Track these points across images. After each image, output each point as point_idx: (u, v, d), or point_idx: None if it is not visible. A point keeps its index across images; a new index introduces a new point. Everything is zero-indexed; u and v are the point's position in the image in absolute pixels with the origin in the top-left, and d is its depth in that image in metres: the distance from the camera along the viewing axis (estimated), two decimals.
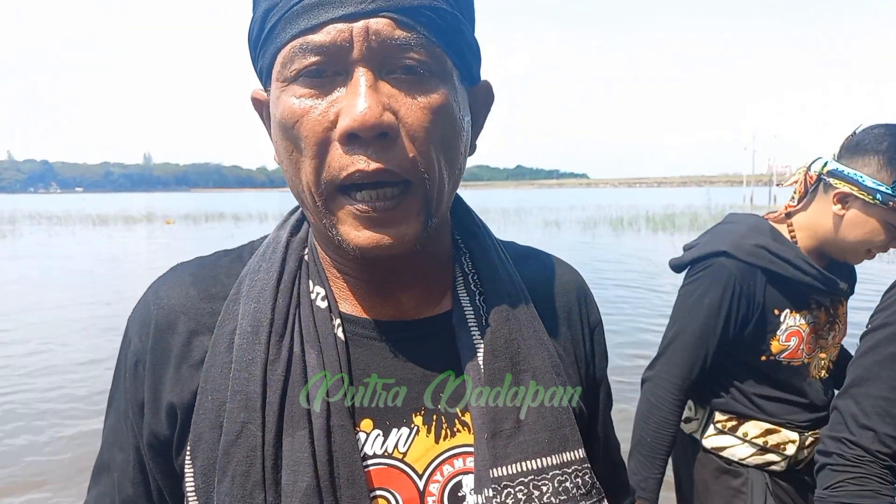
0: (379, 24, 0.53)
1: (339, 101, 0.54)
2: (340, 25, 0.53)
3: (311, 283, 0.64)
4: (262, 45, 0.59)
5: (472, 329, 0.64)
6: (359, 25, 0.53)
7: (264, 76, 0.61)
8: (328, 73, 0.55)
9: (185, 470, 0.60)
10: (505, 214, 28.92)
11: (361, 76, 0.53)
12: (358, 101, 0.52)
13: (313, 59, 0.54)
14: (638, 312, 7.67)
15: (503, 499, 0.58)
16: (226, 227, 25.08)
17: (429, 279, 0.67)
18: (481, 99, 0.67)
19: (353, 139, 0.53)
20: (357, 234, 0.56)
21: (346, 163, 0.54)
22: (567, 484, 0.61)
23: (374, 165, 0.53)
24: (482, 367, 0.62)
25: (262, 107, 0.65)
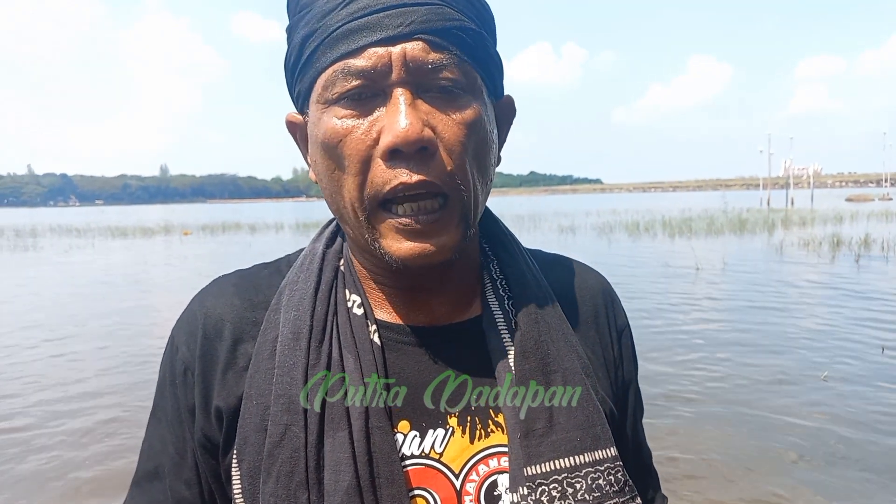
0: (415, 48, 0.57)
1: (379, 120, 0.58)
2: (380, 50, 0.57)
3: (347, 291, 0.67)
4: (301, 70, 0.62)
5: (502, 332, 0.66)
6: (396, 50, 0.57)
7: (301, 100, 0.65)
8: (368, 94, 0.58)
9: (232, 472, 0.63)
10: (519, 221, 28.86)
11: (401, 96, 0.57)
12: (399, 118, 0.56)
13: (355, 82, 0.57)
14: (656, 319, 7.59)
15: (538, 496, 0.60)
16: (242, 237, 25.28)
17: (459, 286, 0.70)
18: (505, 113, 0.70)
19: (395, 154, 0.57)
20: (399, 246, 0.59)
21: (389, 177, 0.57)
22: (600, 481, 0.62)
23: (416, 177, 0.57)
24: (513, 368, 0.64)
25: (296, 129, 0.68)
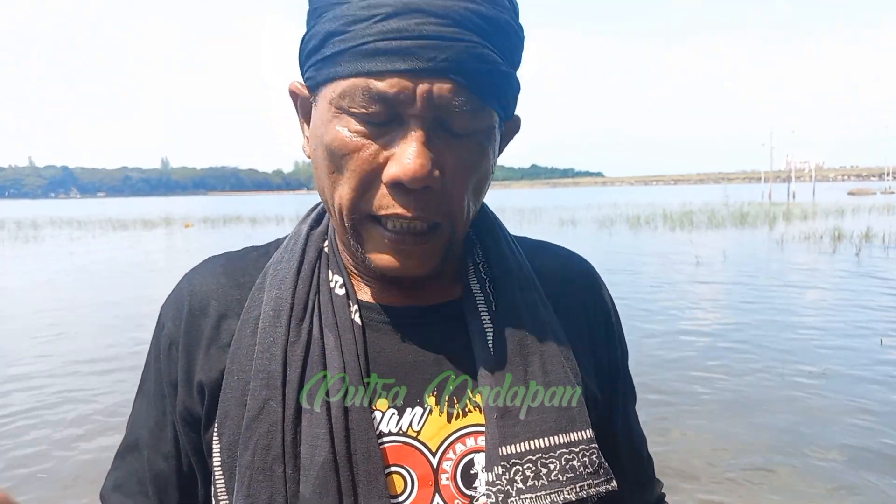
0: (442, 88, 0.55)
1: (390, 146, 0.57)
2: (406, 81, 0.55)
3: (329, 272, 0.68)
4: (319, 62, 0.60)
5: (482, 314, 0.67)
6: (423, 85, 0.55)
7: (311, 83, 0.62)
8: (384, 117, 0.57)
9: (213, 445, 0.64)
10: (521, 214, 28.88)
11: (417, 132, 0.56)
12: (411, 154, 0.55)
13: (375, 106, 0.56)
14: (650, 310, 7.61)
15: (512, 476, 0.61)
16: (243, 229, 25.30)
17: (441, 269, 0.70)
18: (510, 131, 0.70)
19: (398, 186, 0.57)
20: (381, 258, 0.61)
21: (388, 203, 0.58)
22: (574, 462, 0.63)
23: (412, 213, 0.58)
24: (492, 349, 0.65)
25: (298, 98, 0.67)
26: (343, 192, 0.60)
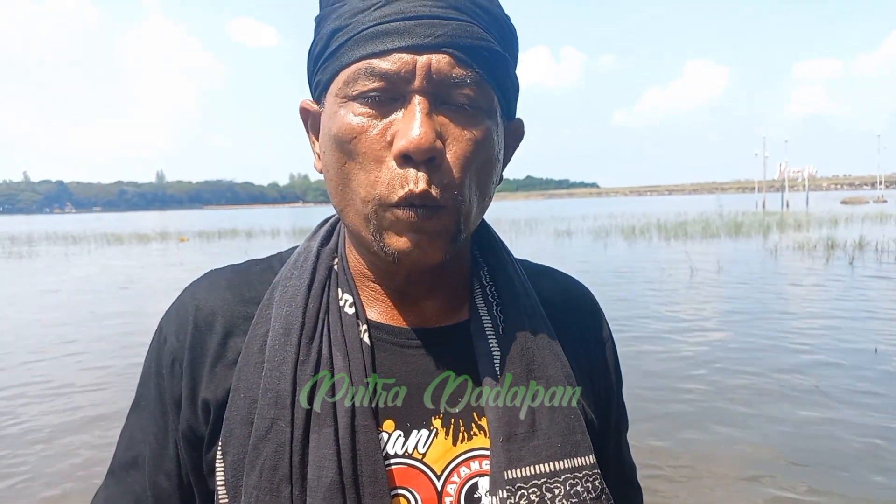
0: (441, 61, 0.59)
1: (395, 123, 0.59)
2: (405, 56, 0.58)
3: (339, 290, 0.68)
4: (325, 61, 0.63)
5: (489, 337, 0.67)
6: (422, 59, 0.58)
7: (319, 90, 0.66)
8: (387, 97, 0.59)
9: (216, 465, 0.63)
10: (516, 226, 28.92)
11: (419, 104, 0.58)
12: (414, 125, 0.57)
13: (376, 83, 0.59)
14: (645, 320, 7.62)
15: (517, 500, 0.61)
16: (238, 243, 25.22)
17: (449, 290, 0.71)
18: (513, 135, 0.71)
19: (406, 160, 0.58)
20: (397, 239, 0.60)
21: (401, 181, 0.59)
22: (578, 488, 0.63)
23: (421, 186, 0.58)
24: (498, 373, 0.65)
25: (308, 116, 0.70)
26: (359, 180, 0.61)
